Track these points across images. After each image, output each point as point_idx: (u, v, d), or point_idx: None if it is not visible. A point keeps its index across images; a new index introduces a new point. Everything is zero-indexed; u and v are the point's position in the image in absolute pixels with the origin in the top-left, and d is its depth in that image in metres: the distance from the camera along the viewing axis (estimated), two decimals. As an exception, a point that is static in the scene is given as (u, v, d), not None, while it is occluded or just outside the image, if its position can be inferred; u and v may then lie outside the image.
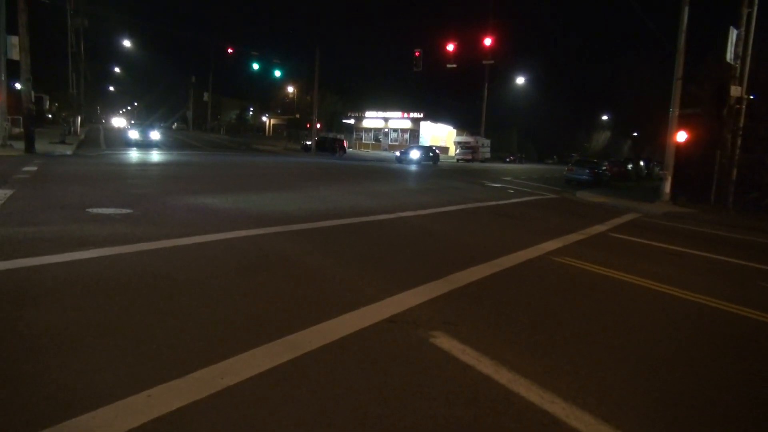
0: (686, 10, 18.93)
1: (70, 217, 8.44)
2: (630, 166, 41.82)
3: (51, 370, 3.42)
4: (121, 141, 37.26)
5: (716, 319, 6.01)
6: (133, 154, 25.96)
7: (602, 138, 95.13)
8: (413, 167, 35.30)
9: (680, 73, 19.49)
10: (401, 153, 43.20)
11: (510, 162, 67.90)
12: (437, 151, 46.97)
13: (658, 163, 39.35)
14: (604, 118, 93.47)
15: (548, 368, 4.12)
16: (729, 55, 17.82)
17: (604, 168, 33.09)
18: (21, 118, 25.14)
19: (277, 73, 44.35)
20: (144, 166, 19.92)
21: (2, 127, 23.89)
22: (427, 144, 58.65)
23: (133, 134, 35.72)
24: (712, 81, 20.78)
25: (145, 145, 34.09)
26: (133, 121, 40.16)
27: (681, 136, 20.21)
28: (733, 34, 17.75)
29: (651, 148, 54.25)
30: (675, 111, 19.60)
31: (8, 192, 10.45)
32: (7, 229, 7.21)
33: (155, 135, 36.83)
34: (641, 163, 46.44)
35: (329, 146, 47.71)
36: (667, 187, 20.10)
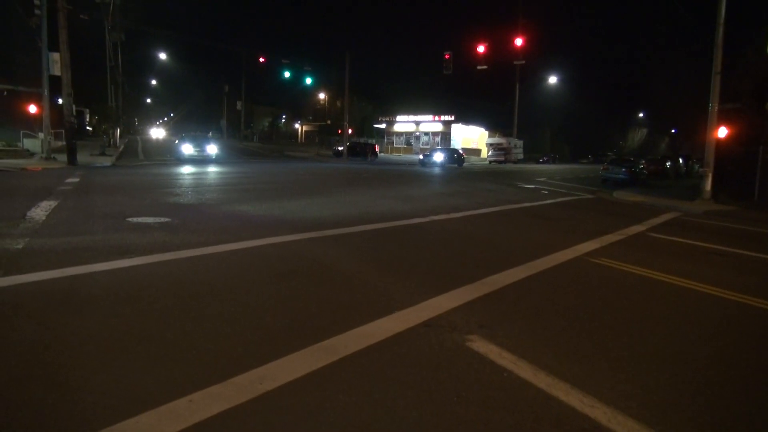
0: (724, 2, 18.40)
1: (111, 226, 8.69)
2: (668, 164, 40.67)
3: (95, 375, 3.52)
4: (163, 153, 35.62)
5: (763, 321, 5.80)
6: (169, 165, 26.53)
7: (638, 136, 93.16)
8: (440, 170, 35.11)
9: (719, 67, 18.91)
10: (425, 156, 42.93)
11: (543, 162, 67.02)
12: (462, 153, 46.54)
13: (697, 161, 38.21)
14: (640, 115, 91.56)
15: (588, 372, 4.04)
16: (770, 47, 17.26)
17: (641, 166, 32.30)
18: (63, 131, 26.02)
19: (308, 81, 44.97)
20: (179, 175, 20.36)
21: (46, 140, 24.85)
22: (458, 146, 58.37)
23: (187, 149, 29.78)
24: (752, 74, 20.16)
25: (200, 161, 29.13)
26: (183, 134, 36.33)
27: (721, 132, 19.61)
28: (775, 24, 17.18)
29: (690, 145, 52.85)
30: (714, 106, 19.03)
31: (53, 203, 10.82)
32: (53, 240, 7.47)
33: (212, 149, 30.97)
34: (680, 160, 45.12)
35: (361, 151, 47.97)
36: (708, 185, 19.50)
